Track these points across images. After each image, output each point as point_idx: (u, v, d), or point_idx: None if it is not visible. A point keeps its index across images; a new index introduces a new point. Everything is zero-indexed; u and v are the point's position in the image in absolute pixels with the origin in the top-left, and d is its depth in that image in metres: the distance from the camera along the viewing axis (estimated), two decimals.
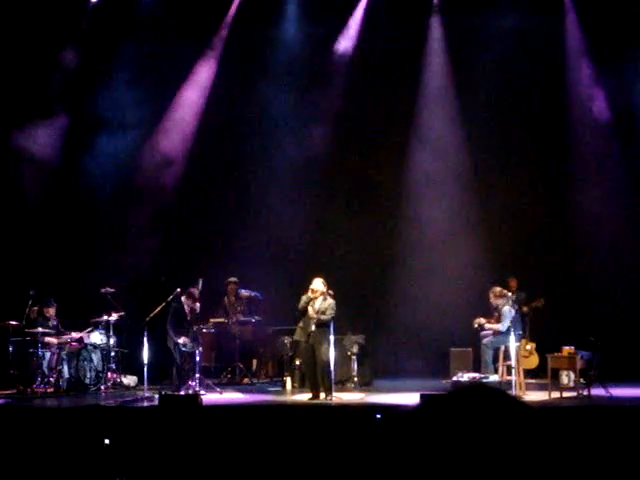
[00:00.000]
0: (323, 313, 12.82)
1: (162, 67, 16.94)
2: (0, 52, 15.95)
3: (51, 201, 16.78)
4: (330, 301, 12.91)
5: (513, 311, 13.79)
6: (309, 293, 12.87)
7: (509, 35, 16.12)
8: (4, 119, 16.30)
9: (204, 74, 17.36)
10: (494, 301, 14.15)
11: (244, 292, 16.04)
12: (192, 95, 17.37)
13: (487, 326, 14.16)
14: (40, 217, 16.59)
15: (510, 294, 14.28)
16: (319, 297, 12.88)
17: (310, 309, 12.87)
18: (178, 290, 14.12)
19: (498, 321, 13.99)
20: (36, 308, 14.65)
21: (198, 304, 14.17)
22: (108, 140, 16.62)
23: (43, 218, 16.60)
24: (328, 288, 12.99)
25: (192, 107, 17.39)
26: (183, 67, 17.24)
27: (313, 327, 12.82)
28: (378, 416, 10.01)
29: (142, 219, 16.68)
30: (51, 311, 14.86)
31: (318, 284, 12.94)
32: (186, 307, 14.28)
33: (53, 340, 14.48)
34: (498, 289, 14.22)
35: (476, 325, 14.28)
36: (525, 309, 14.61)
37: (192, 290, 14.25)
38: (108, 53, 16.73)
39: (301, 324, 13.08)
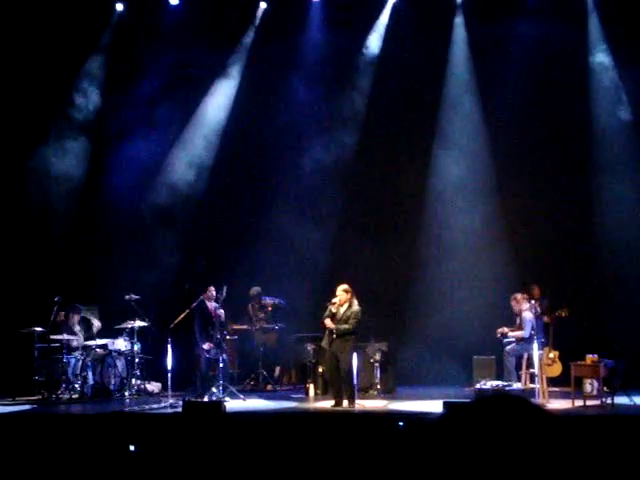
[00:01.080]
0: (345, 322, 12.83)
1: (187, 76, 17.04)
2: (23, 64, 16.11)
3: (78, 210, 16.94)
4: (355, 308, 12.91)
5: (534, 318, 13.75)
6: (334, 300, 12.90)
7: (532, 40, 16.11)
8: (28, 133, 16.45)
9: (228, 83, 17.47)
10: (516, 307, 14.14)
11: (268, 300, 16.08)
12: (216, 104, 17.48)
13: (510, 334, 14.13)
14: (67, 225, 16.74)
15: (532, 301, 14.25)
16: (344, 304, 12.91)
17: (334, 316, 12.89)
18: (202, 297, 14.20)
19: (520, 328, 13.97)
20: (62, 314, 14.78)
21: (222, 311, 14.21)
22: (133, 151, 16.75)
23: (70, 226, 16.76)
24: (352, 295, 13.00)
25: (216, 116, 17.50)
26: (208, 76, 17.35)
27: (335, 335, 12.83)
28: (401, 424, 10.01)
29: (168, 227, 16.76)
30: (76, 317, 14.98)
31: (341, 291, 12.96)
32: (210, 307, 14.31)
33: (75, 342, 14.59)
34: (520, 295, 14.20)
35: (499, 335, 14.27)
36: (548, 317, 14.55)
37: (209, 289, 14.38)
38: (132, 63, 16.85)
39: (327, 331, 13.08)
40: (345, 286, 13.03)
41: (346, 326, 12.81)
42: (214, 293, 14.36)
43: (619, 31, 16.02)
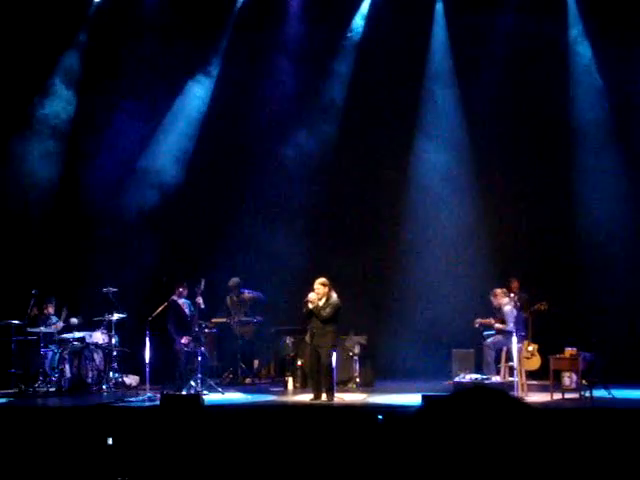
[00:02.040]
0: (323, 309, 12.78)
1: (165, 69, 16.94)
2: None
3: (55, 203, 16.84)
4: (334, 300, 12.87)
5: (515, 311, 13.78)
6: (311, 295, 12.85)
7: (512, 30, 16.17)
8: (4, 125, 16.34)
9: (206, 78, 17.39)
10: (496, 302, 14.15)
11: (247, 293, 16.03)
12: (195, 95, 17.41)
13: (496, 326, 14.12)
14: (43, 217, 16.63)
15: (512, 295, 14.28)
16: (322, 298, 12.86)
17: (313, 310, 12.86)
18: (172, 297, 14.23)
19: (501, 322, 14.00)
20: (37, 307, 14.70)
21: (200, 299, 14.14)
22: (111, 144, 16.68)
23: (46, 218, 16.65)
24: (330, 288, 12.95)
25: (195, 107, 17.43)
26: (186, 68, 17.26)
27: (315, 330, 12.79)
28: (380, 417, 10.00)
29: (146, 221, 16.67)
30: (50, 308, 14.91)
31: (319, 284, 12.91)
32: (183, 306, 14.38)
33: (52, 331, 14.53)
34: (499, 290, 14.22)
35: (477, 325, 14.28)
36: (527, 311, 14.58)
37: (178, 287, 14.46)
38: (111, 56, 16.75)
39: (309, 326, 13.02)
40: (323, 279, 12.97)
41: (325, 313, 12.75)
42: (184, 290, 14.41)
43: (599, 24, 16.06)
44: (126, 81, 16.65)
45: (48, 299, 14.92)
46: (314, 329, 12.81)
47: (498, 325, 14.08)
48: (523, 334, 13.68)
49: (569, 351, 12.57)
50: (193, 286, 14.23)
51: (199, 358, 13.64)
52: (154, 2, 16.92)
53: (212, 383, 13.77)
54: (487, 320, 14.26)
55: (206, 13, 16.65)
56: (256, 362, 16.32)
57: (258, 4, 16.95)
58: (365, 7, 17.09)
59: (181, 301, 14.53)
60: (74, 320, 15.02)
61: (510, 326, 13.73)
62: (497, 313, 14.20)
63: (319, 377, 12.81)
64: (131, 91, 16.69)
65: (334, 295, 12.90)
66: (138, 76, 16.73)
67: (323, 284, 12.88)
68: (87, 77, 16.95)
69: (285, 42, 17.09)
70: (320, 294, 12.83)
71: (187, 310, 14.46)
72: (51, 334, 14.61)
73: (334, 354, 12.81)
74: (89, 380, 14.53)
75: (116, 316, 14.79)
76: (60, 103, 16.93)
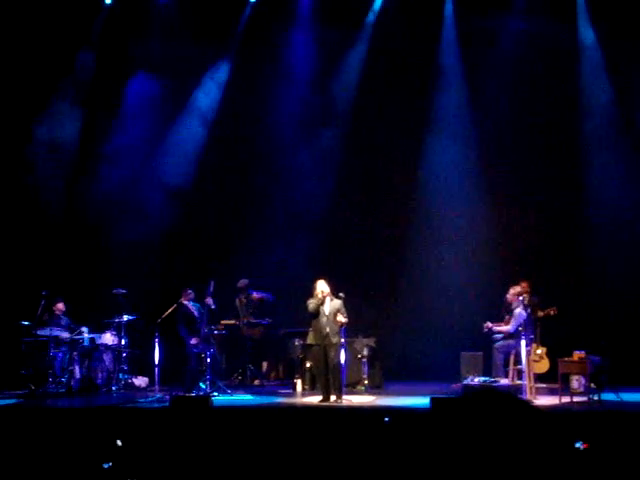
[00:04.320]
0: (342, 313, 12.80)
1: (175, 69, 16.98)
2: (12, 57, 16.07)
3: (65, 205, 16.91)
4: (339, 301, 12.90)
5: (524, 314, 13.76)
6: (318, 295, 12.85)
7: (521, 33, 16.19)
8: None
9: (216, 77, 17.43)
10: (510, 299, 14.15)
11: (256, 294, 16.04)
12: (205, 97, 17.45)
13: (496, 329, 14.16)
14: (54, 219, 16.70)
15: (521, 297, 14.26)
16: (327, 298, 12.88)
17: (322, 311, 12.86)
18: (180, 301, 14.27)
19: (508, 323, 14.01)
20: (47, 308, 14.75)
21: (210, 300, 14.15)
22: (122, 144, 16.73)
23: (57, 220, 16.72)
24: (337, 290, 12.97)
25: (205, 109, 17.47)
26: (196, 69, 17.30)
27: (328, 329, 12.80)
28: (386, 419, 10.01)
29: (155, 221, 16.71)
30: (59, 306, 14.95)
31: (324, 285, 12.92)
32: (191, 308, 14.42)
33: (64, 336, 14.56)
34: (518, 289, 14.22)
35: (486, 330, 14.29)
36: (539, 314, 14.56)
37: (185, 291, 14.51)
38: (122, 55, 16.81)
39: (313, 327, 13.01)
40: (322, 281, 12.99)
41: (345, 317, 12.82)
42: (190, 293, 14.46)
43: (608, 24, 16.05)
44: (137, 79, 16.74)
45: (57, 299, 14.96)
46: (327, 329, 12.78)
47: (500, 328, 14.10)
48: (531, 337, 13.67)
49: (578, 354, 12.56)
50: (202, 288, 14.25)
51: (208, 360, 13.67)
52: (164, 3, 16.96)
53: (221, 384, 13.81)
54: (487, 324, 14.26)
55: (216, 14, 16.68)
56: (265, 364, 16.35)
57: (269, 5, 16.96)
58: (376, 8, 17.08)
59: (189, 304, 14.55)
60: (84, 329, 15.02)
61: (512, 328, 13.74)
62: (506, 312, 14.20)
63: (327, 379, 12.83)
64: (143, 90, 16.75)
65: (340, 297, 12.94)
66: (150, 75, 16.81)
67: (325, 284, 12.90)
68: (97, 78, 16.99)
69: (295, 43, 17.10)
70: (326, 293, 12.84)
71: (196, 312, 14.48)
72: (60, 336, 14.63)
73: (342, 355, 12.85)
74: (99, 381, 14.60)
75: (126, 318, 14.84)
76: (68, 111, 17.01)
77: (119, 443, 9.12)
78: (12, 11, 16.00)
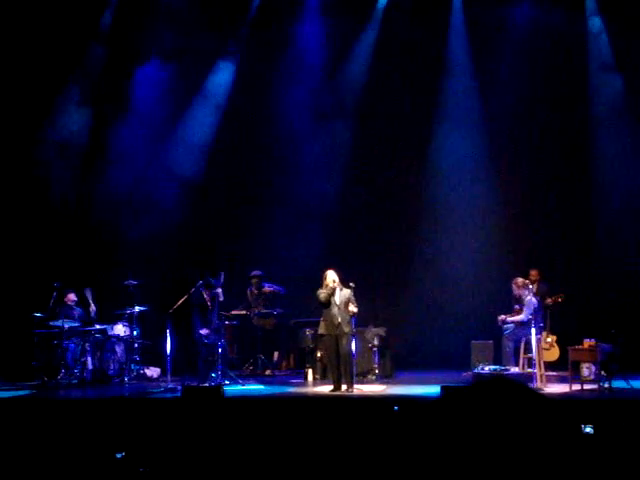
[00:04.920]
0: (353, 303, 12.84)
1: (185, 61, 17.00)
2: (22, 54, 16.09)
3: (77, 197, 16.94)
4: (349, 290, 12.93)
5: (535, 301, 13.77)
6: (329, 284, 12.87)
7: (530, 22, 16.16)
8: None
9: (225, 69, 17.43)
10: (517, 291, 14.15)
11: (267, 287, 16.07)
12: (215, 89, 17.45)
13: (509, 319, 14.17)
14: (66, 212, 16.74)
15: (531, 286, 14.28)
16: (337, 288, 12.91)
17: (333, 301, 12.89)
18: (200, 282, 14.22)
19: (519, 313, 14.02)
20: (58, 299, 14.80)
21: (220, 290, 14.16)
22: (133, 136, 16.77)
23: (69, 213, 16.76)
24: (348, 280, 13.01)
25: (215, 101, 17.47)
26: (206, 61, 17.31)
27: (340, 318, 12.83)
28: (396, 408, 10.04)
29: (166, 213, 16.74)
30: (71, 297, 14.99)
31: (334, 275, 12.95)
32: (206, 297, 14.40)
33: (75, 325, 14.62)
34: (521, 280, 14.22)
35: (500, 323, 14.32)
36: (548, 301, 14.57)
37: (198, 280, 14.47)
38: (132, 47, 16.82)
39: (325, 317, 13.03)
40: (332, 271, 13.02)
41: (357, 307, 12.89)
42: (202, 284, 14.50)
43: (617, 13, 16.01)
44: (146, 70, 16.77)
45: (68, 289, 15.00)
46: (338, 319, 12.81)
47: (512, 318, 14.11)
48: (541, 325, 13.68)
49: (588, 342, 12.56)
50: (213, 280, 14.25)
51: (220, 350, 13.72)
52: None
53: (232, 375, 13.86)
54: (501, 317, 14.29)
55: (225, 4, 16.69)
56: (276, 354, 16.39)
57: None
58: (381, 4, 17.04)
59: (204, 291, 14.49)
60: (93, 308, 15.04)
61: (525, 317, 13.75)
62: (516, 302, 14.22)
63: (339, 368, 12.86)
64: (152, 82, 16.79)
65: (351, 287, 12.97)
66: (158, 68, 16.84)
67: (335, 274, 12.94)
68: (106, 72, 17.01)
69: (304, 33, 17.09)
70: (337, 283, 12.87)
71: (208, 302, 14.48)
72: (73, 327, 14.68)
73: (353, 345, 12.90)
74: (111, 372, 14.65)
75: (137, 309, 14.89)
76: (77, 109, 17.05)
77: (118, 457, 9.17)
78: (21, 10, 15.98)
